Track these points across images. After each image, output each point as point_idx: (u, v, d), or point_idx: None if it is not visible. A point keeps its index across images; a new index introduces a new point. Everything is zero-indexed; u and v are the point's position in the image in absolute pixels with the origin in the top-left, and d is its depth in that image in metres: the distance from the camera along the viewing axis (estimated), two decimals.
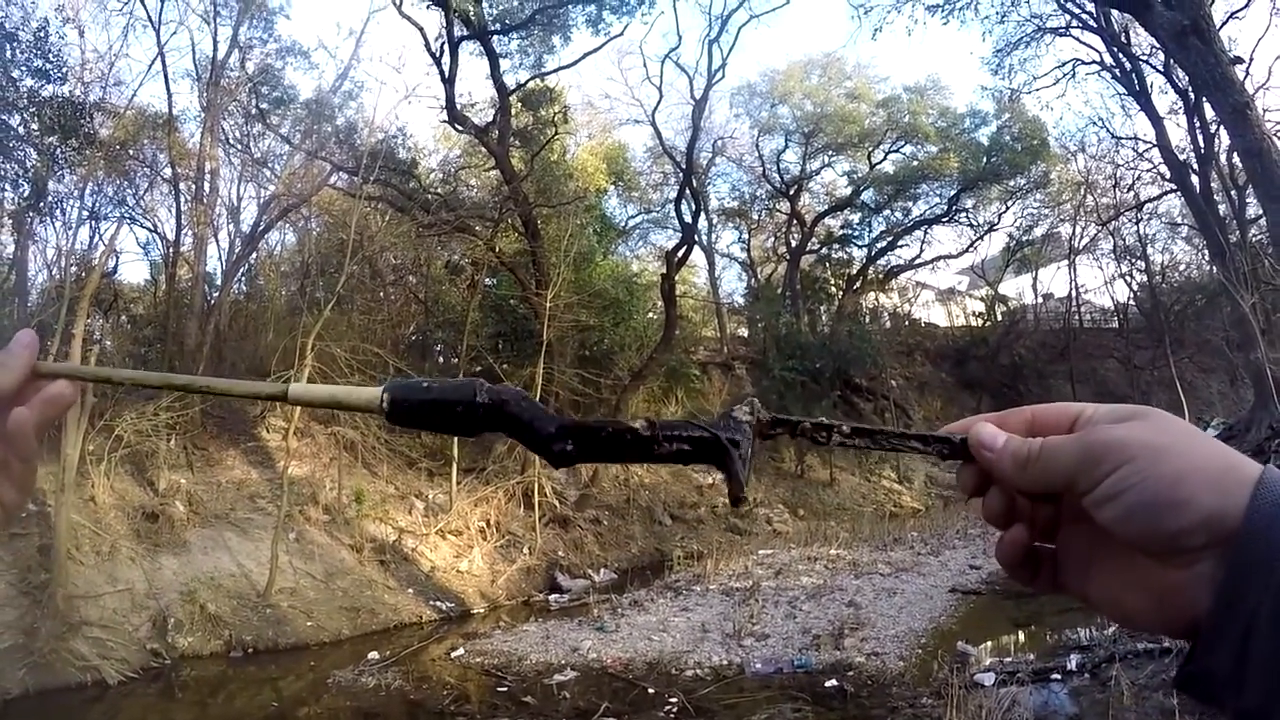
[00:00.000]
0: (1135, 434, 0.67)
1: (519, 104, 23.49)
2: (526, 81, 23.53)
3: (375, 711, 10.49)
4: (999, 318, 41.46)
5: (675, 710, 9.18)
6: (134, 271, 41.59)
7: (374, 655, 12.39)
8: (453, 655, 12.48)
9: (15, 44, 16.26)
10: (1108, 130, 33.36)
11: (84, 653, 11.31)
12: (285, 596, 14.05)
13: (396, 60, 53.03)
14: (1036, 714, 7.32)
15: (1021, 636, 11.20)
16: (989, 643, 10.63)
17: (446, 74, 21.38)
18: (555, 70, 23.97)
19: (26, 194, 17.51)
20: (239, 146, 23.28)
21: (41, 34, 16.68)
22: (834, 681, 9.64)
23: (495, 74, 22.00)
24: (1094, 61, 27.13)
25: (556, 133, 24.10)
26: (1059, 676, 8.67)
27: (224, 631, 12.98)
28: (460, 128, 23.01)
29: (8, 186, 17.58)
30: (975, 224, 39.22)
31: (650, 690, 9.99)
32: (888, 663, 10.09)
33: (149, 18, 20.63)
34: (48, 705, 10.53)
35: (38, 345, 0.86)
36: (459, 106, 22.22)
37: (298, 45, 21.65)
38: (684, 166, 25.88)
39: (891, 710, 8.56)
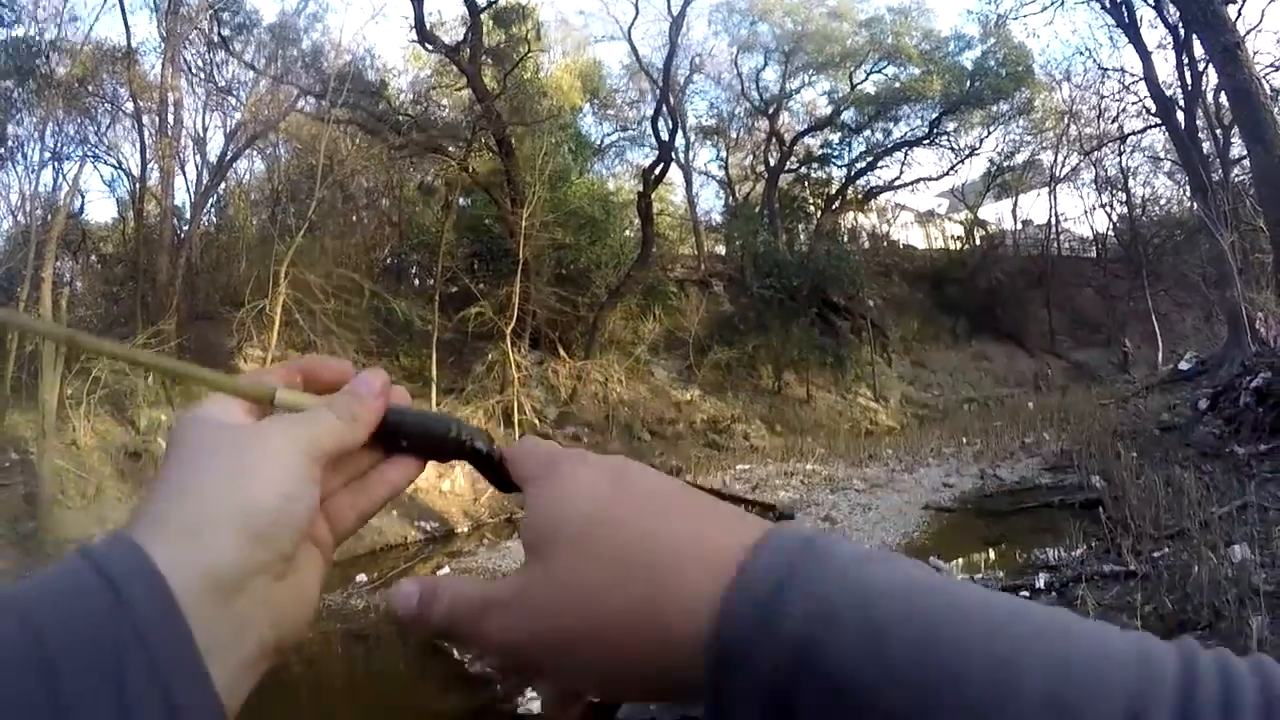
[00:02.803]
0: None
1: (490, 21, 22.99)
2: None
3: (365, 633, 10.67)
4: (978, 242, 41.74)
5: None
6: (101, 210, 41.17)
7: (361, 578, 12.58)
8: (439, 574, 12.70)
9: None
10: (1094, 60, 33.42)
11: None
12: None
13: None
14: None
15: (992, 554, 11.42)
16: (960, 559, 10.87)
17: None
18: None
19: None
20: (202, 76, 22.81)
21: None
22: None
23: None
24: None
25: (530, 50, 23.68)
26: (1026, 594, 8.79)
27: None
28: (430, 47, 22.58)
29: None
30: (956, 148, 39.20)
31: None
32: None
33: None
34: None
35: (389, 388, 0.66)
36: (429, 25, 21.82)
37: None
38: (661, 84, 25.56)
39: None
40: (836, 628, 0.41)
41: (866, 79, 36.83)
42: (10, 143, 17.95)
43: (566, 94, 28.12)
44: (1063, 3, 27.45)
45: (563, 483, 0.56)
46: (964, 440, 20.13)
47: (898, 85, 36.41)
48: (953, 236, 44.42)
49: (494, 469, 0.68)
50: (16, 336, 14.46)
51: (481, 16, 21.80)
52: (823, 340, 28.64)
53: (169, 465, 0.56)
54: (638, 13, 26.78)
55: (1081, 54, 34.52)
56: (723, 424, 23.99)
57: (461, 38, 22.15)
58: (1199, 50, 22.53)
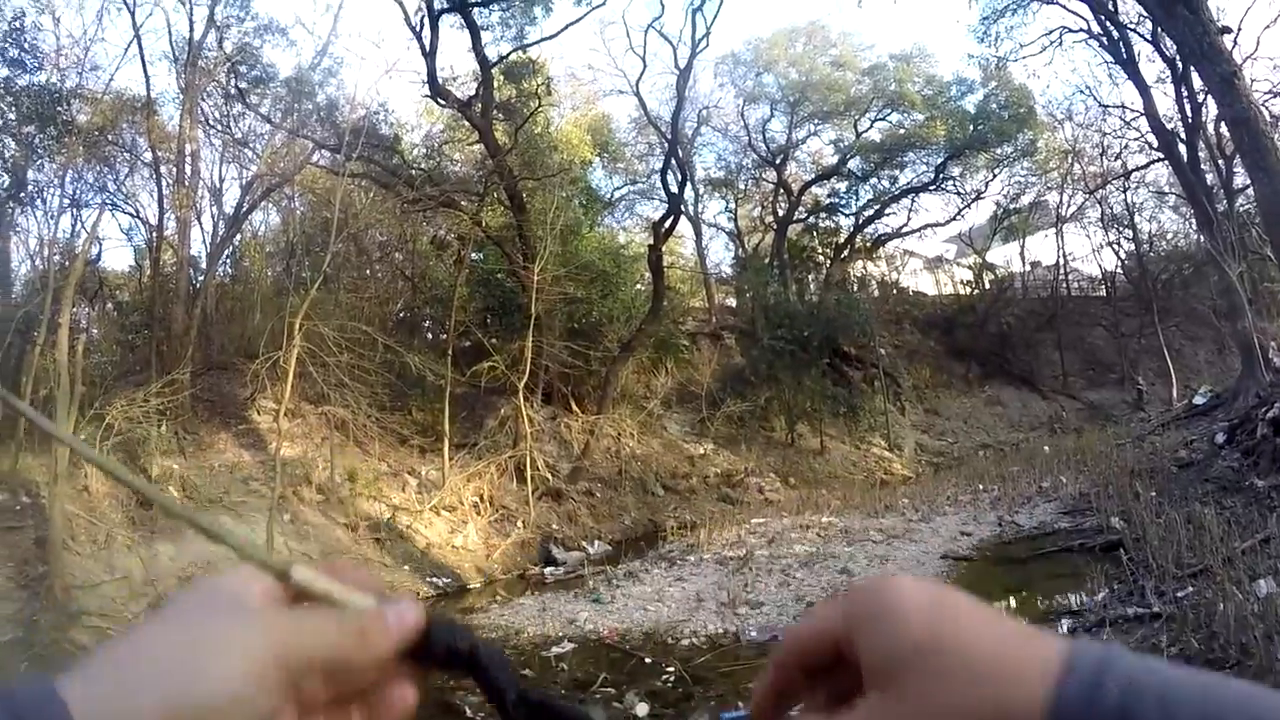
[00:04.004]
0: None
1: (501, 77, 23.33)
2: (509, 54, 23.36)
3: None
4: (987, 286, 41.70)
5: (672, 679, 9.19)
6: (118, 258, 41.41)
7: None
8: None
9: None
10: (1095, 98, 33.39)
11: (84, 642, 11.27)
12: None
13: (376, 35, 52.62)
14: None
15: (1013, 602, 11.23)
16: None
17: (427, 48, 21.23)
18: (537, 42, 23.83)
19: (6, 184, 17.48)
20: (219, 127, 23.08)
21: (17, 24, 16.71)
22: None
23: (477, 47, 21.82)
24: (1081, 29, 26.93)
25: (540, 105, 23.95)
26: None
27: None
28: (443, 102, 22.84)
29: None
30: (962, 192, 39.25)
31: (647, 660, 10.00)
32: None
33: (123, 0, 20.39)
34: None
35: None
36: (441, 81, 22.05)
37: (275, 23, 21.53)
38: (669, 137, 25.73)
39: None
40: (1143, 700, 0.51)
41: (871, 126, 37.12)
42: (30, 188, 18.10)
43: (576, 148, 28.34)
44: (1060, 42, 27.72)
45: (893, 615, 0.60)
46: (980, 487, 19.92)
47: (902, 132, 36.66)
48: (962, 281, 44.46)
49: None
50: (31, 380, 14.54)
51: (492, 71, 22.06)
52: (835, 390, 28.55)
53: (149, 619, 0.58)
54: (646, 66, 27.04)
55: (1082, 92, 34.83)
56: (736, 477, 23.84)
57: (473, 93, 22.40)
58: (1197, 82, 22.66)
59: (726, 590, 12.40)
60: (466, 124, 23.36)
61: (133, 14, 20.39)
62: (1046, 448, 25.62)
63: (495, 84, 22.60)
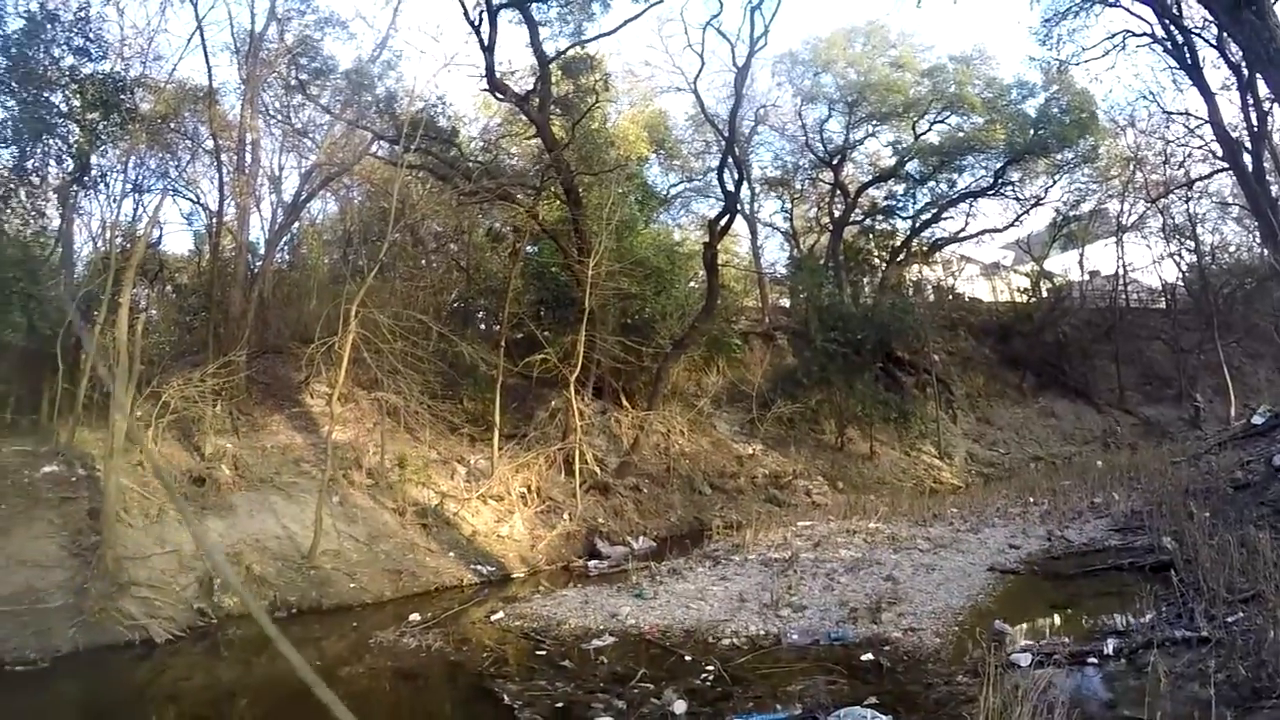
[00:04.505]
0: None
1: (559, 72, 23.34)
2: (566, 49, 23.38)
3: (416, 672, 10.60)
4: (1044, 294, 40.74)
5: (711, 678, 9.16)
6: (178, 242, 42.08)
7: (415, 617, 12.52)
8: (493, 618, 12.58)
9: (56, 24, 16.52)
10: (1158, 105, 32.58)
11: (132, 612, 11.53)
12: (329, 558, 14.28)
13: (434, 29, 53.07)
14: (1071, 698, 7.20)
15: (1058, 619, 11.01)
16: (1025, 624, 10.45)
17: (486, 42, 21.28)
18: (595, 38, 23.75)
19: (71, 169, 17.77)
20: (279, 117, 23.42)
21: (82, 13, 16.97)
22: (870, 655, 9.52)
23: (535, 42, 21.89)
24: (1145, 33, 26.39)
25: (597, 100, 23.96)
26: (1095, 661, 8.49)
27: (269, 592, 13.22)
28: (501, 96, 22.93)
29: (52, 162, 17.76)
30: (1021, 198, 38.62)
31: (687, 658, 9.97)
32: (924, 639, 9.95)
33: None
34: (97, 662, 10.74)
35: None
36: (499, 75, 22.14)
37: (336, 16, 21.78)
38: (726, 135, 25.61)
39: (926, 687, 8.45)
40: None
41: (930, 129, 36.52)
42: (94, 173, 18.47)
43: (633, 144, 28.34)
44: (1124, 46, 27.12)
45: None
46: (1030, 500, 19.59)
47: (961, 135, 36.04)
48: (1018, 289, 43.43)
49: None
50: (90, 357, 14.81)
51: (550, 67, 22.09)
52: (887, 395, 28.27)
53: None
54: (704, 64, 27.00)
55: (1145, 98, 33.86)
56: (784, 479, 23.69)
57: (531, 87, 22.45)
58: (1264, 89, 22.10)
59: (770, 592, 12.35)
60: (524, 118, 23.46)
61: (195, 6, 20.81)
62: (1099, 463, 25.25)
63: (553, 79, 22.62)
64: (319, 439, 17.29)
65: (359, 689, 10.42)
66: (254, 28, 21.82)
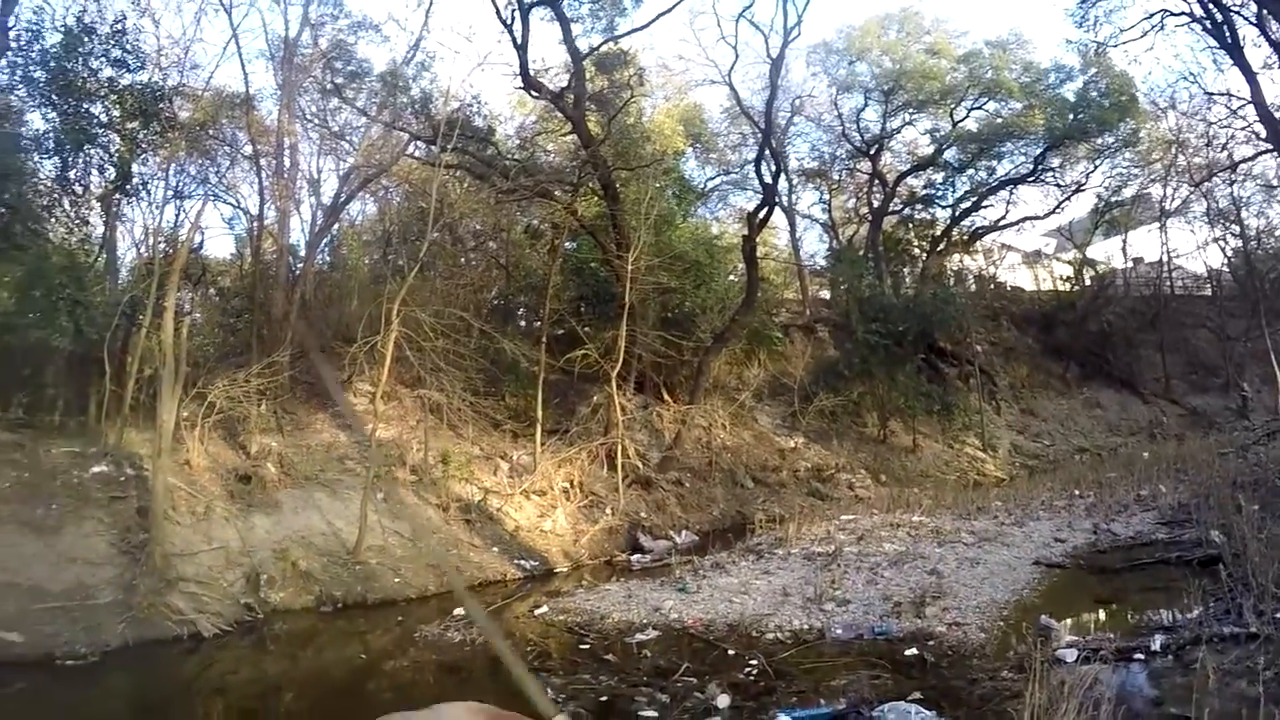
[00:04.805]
0: None
1: (593, 68, 23.39)
2: (599, 45, 23.40)
3: (459, 666, 10.64)
4: (1087, 282, 40.24)
5: (755, 672, 9.14)
6: (220, 246, 42.72)
7: (459, 611, 12.54)
8: (536, 612, 12.65)
9: (94, 36, 16.81)
10: (1199, 86, 31.69)
11: (180, 607, 11.72)
12: (374, 554, 14.43)
13: (467, 29, 53.29)
14: (1117, 694, 7.07)
15: (1103, 614, 10.85)
16: (1070, 619, 10.29)
17: (518, 40, 21.37)
18: (628, 33, 23.76)
19: (113, 177, 18.08)
20: (316, 121, 23.55)
21: (119, 26, 17.29)
22: (914, 650, 9.49)
23: (568, 38, 21.94)
24: (1183, 12, 25.53)
25: (632, 96, 23.95)
26: (1141, 657, 8.36)
27: (314, 587, 13.40)
28: (535, 93, 23.03)
29: (95, 171, 18.11)
30: (1062, 184, 37.94)
31: (730, 652, 9.99)
32: (969, 633, 9.88)
33: (220, 2, 21.08)
34: (145, 656, 10.91)
35: None
36: (533, 72, 22.20)
37: (368, 19, 21.92)
38: (763, 126, 25.49)
39: (971, 682, 8.37)
40: None
41: (968, 116, 35.99)
42: (136, 180, 18.79)
43: (669, 138, 28.28)
44: (1162, 26, 26.29)
45: None
46: (1076, 492, 19.36)
47: (999, 121, 35.53)
48: (1061, 277, 43.01)
49: None
50: (136, 360, 15.13)
51: (584, 63, 22.11)
52: (929, 387, 28.00)
53: None
54: (737, 56, 26.85)
55: (1186, 79, 33.00)
56: (827, 472, 23.55)
57: (565, 84, 22.50)
58: None
59: (813, 586, 12.29)
60: (559, 115, 23.50)
61: (230, 15, 21.07)
62: (1145, 454, 24.88)
63: (587, 75, 22.66)
64: (362, 437, 17.42)
65: (403, 681, 10.54)
66: (288, 34, 22.03)
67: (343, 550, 14.31)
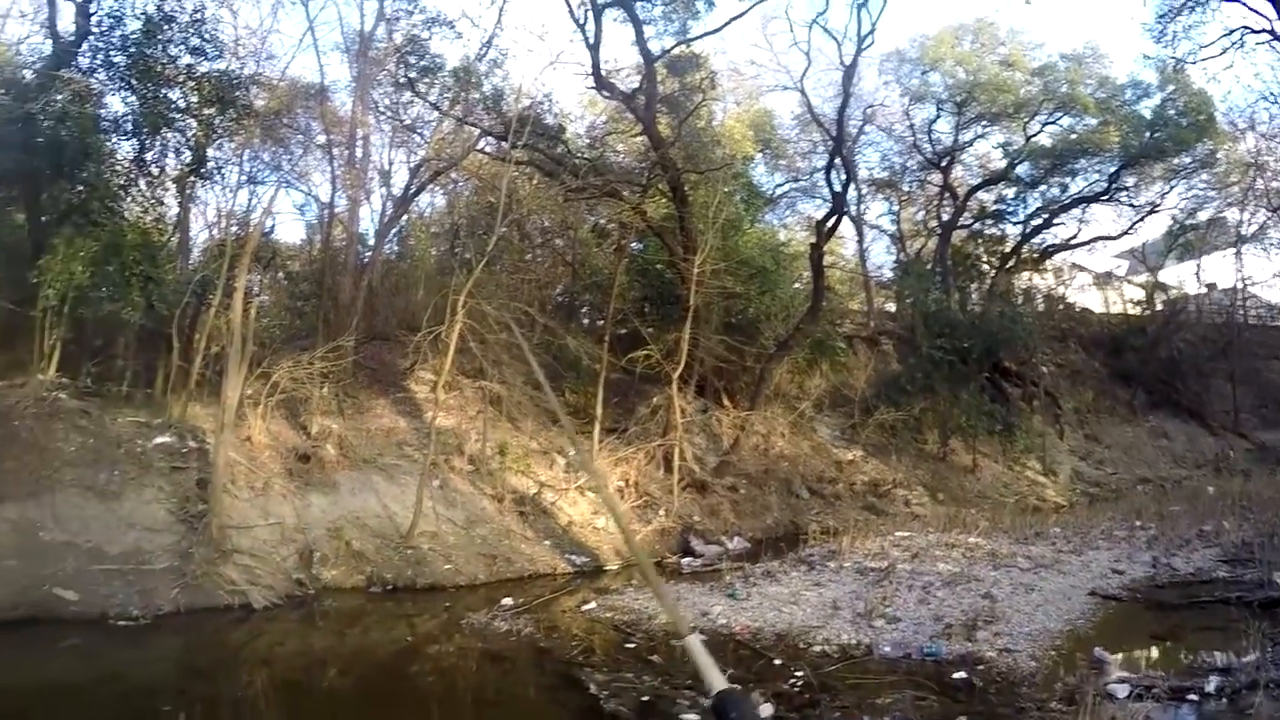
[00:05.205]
0: None
1: (664, 70, 23.28)
2: (672, 48, 23.23)
3: (504, 655, 10.71)
4: (1158, 307, 38.98)
5: (800, 684, 9.00)
6: (290, 231, 43.54)
7: (508, 601, 12.65)
8: (584, 609, 12.65)
9: (173, 25, 17.29)
10: None
11: (233, 578, 11.98)
12: (426, 539, 14.58)
13: (539, 28, 53.61)
14: None
15: (1157, 651, 10.52)
16: (1122, 654, 9.98)
17: (591, 40, 21.39)
18: (700, 36, 23.49)
19: (188, 161, 18.70)
20: (389, 114, 23.94)
21: (197, 15, 17.76)
22: (963, 673, 9.25)
23: (640, 40, 21.85)
24: (1264, 29, 24.66)
25: (704, 99, 23.80)
26: (1195, 698, 8.05)
27: (366, 567, 13.60)
28: (607, 94, 23.03)
29: (171, 154, 18.65)
30: (1136, 204, 36.66)
31: (776, 661, 9.86)
32: (1019, 660, 9.61)
33: None
34: (196, 623, 11.19)
35: None
36: (604, 73, 22.21)
37: (442, 16, 21.82)
38: (834, 134, 25.19)
39: (1019, 711, 8.15)
40: None
41: (1041, 130, 34.90)
42: (210, 165, 19.49)
43: (739, 143, 28.10)
44: (1242, 43, 25.42)
45: None
46: (1137, 524, 18.86)
47: (1073, 137, 34.38)
48: (1132, 300, 41.70)
49: None
50: (205, 336, 15.47)
51: (655, 65, 22.04)
52: (992, 406, 27.30)
53: None
54: (810, 62, 26.52)
55: (1266, 99, 31.74)
56: (884, 487, 23.20)
57: (636, 85, 22.46)
58: None
59: (864, 601, 12.12)
60: (629, 116, 23.47)
61: (306, 7, 21.61)
62: (1210, 488, 24.33)
63: (658, 77, 22.57)
64: (422, 424, 17.67)
65: (446, 666, 10.66)
66: (363, 28, 22.63)
67: (396, 534, 14.48)
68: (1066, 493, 26.83)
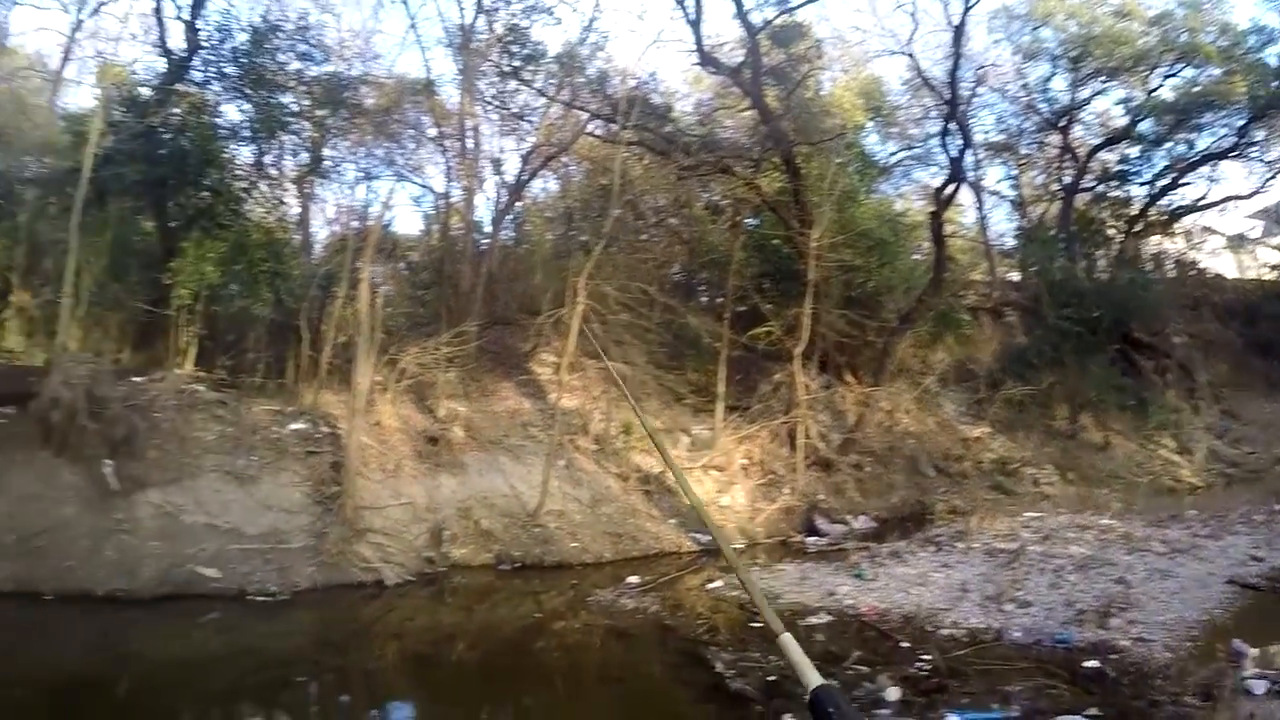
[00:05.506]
0: None
1: (768, 42, 22.87)
2: (774, 18, 22.83)
3: (629, 632, 10.86)
4: None
5: (928, 668, 8.88)
6: (408, 223, 44.79)
7: (633, 579, 12.80)
8: (708, 587, 12.74)
9: (280, 33, 18.23)
10: None
11: (367, 555, 12.46)
12: (553, 518, 14.86)
13: (639, 7, 53.47)
14: None
15: None
16: (1259, 648, 9.43)
17: (692, 16, 21.31)
18: (802, 4, 22.98)
19: (305, 161, 20.01)
20: (496, 103, 24.24)
21: (302, 22, 18.83)
22: (1095, 662, 8.98)
23: (741, 12, 21.52)
24: None
25: (811, 69, 23.36)
26: None
27: (494, 546, 13.95)
28: (713, 69, 22.89)
29: (288, 156, 20.07)
30: (1267, 159, 34.16)
31: (903, 644, 9.75)
32: (1154, 650, 9.28)
33: None
34: (331, 599, 11.68)
35: None
36: (707, 48, 22.05)
37: (541, 3, 22.02)
38: (947, 98, 24.36)
39: (1152, 704, 7.86)
40: None
41: (1163, 84, 32.62)
42: (327, 164, 20.71)
43: (849, 112, 27.36)
44: None
45: None
46: (1277, 507, 17.98)
47: (1197, 89, 32.01)
48: (1267, 265, 39.19)
49: None
50: (332, 326, 16.05)
51: (759, 37, 21.68)
52: (1123, 380, 25.95)
53: None
54: (916, 25, 25.64)
55: None
56: (1012, 465, 22.40)
57: (741, 59, 22.18)
58: None
59: (993, 584, 11.88)
60: (736, 91, 23.23)
61: (407, 5, 22.06)
62: None
63: (762, 49, 22.22)
64: (546, 405, 17.97)
65: (572, 642, 10.90)
66: (463, 20, 22.97)
67: (523, 512, 14.78)
68: (1202, 473, 25.31)
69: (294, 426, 14.76)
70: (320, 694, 8.89)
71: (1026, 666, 8.89)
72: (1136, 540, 14.49)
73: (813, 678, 2.38)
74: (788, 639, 2.55)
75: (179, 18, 18.45)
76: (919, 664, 8.95)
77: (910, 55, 26.77)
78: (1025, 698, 8.00)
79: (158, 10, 18.46)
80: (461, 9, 22.82)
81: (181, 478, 12.71)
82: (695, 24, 21.32)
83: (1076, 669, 8.80)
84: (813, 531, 17.00)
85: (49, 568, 10.62)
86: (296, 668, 9.31)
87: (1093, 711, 7.47)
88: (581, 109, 23.21)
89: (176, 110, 16.68)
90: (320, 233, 23.68)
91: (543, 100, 23.82)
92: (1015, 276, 34.34)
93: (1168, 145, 33.14)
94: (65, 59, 22.75)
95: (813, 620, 10.72)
